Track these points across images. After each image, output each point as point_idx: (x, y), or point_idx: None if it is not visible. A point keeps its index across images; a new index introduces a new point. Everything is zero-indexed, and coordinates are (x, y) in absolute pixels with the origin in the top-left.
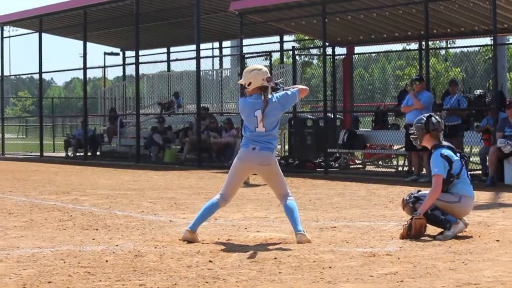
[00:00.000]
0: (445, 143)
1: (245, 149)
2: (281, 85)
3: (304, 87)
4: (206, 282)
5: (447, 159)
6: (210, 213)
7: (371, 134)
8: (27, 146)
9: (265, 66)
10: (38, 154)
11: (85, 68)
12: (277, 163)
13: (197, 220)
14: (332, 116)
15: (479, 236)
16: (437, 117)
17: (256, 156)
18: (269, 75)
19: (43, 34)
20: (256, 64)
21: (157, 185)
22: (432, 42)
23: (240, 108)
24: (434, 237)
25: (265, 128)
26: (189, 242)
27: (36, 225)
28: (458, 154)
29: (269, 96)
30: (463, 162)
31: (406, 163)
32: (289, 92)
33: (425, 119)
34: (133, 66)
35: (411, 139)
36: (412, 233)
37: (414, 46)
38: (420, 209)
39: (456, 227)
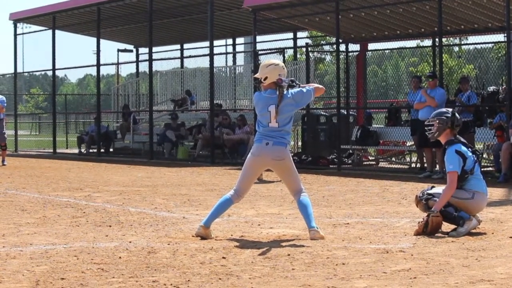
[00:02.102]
0: (459, 139)
1: (258, 144)
2: (297, 82)
3: (320, 86)
4: (220, 279)
5: (462, 155)
6: (224, 209)
7: (384, 130)
8: (40, 143)
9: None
10: (51, 150)
11: (98, 65)
12: (291, 158)
13: (211, 216)
14: (345, 113)
15: (492, 233)
16: (458, 113)
17: (269, 151)
18: (285, 71)
19: (57, 31)
20: (273, 59)
21: (170, 181)
22: (445, 38)
23: (254, 102)
24: (447, 234)
25: (278, 124)
26: (203, 238)
27: (49, 221)
28: (470, 150)
29: (285, 92)
30: (476, 158)
31: (419, 160)
32: (304, 90)
33: (450, 113)
34: (147, 63)
35: (427, 130)
36: (428, 230)
37: (427, 42)
38: (435, 206)
39: (469, 223)
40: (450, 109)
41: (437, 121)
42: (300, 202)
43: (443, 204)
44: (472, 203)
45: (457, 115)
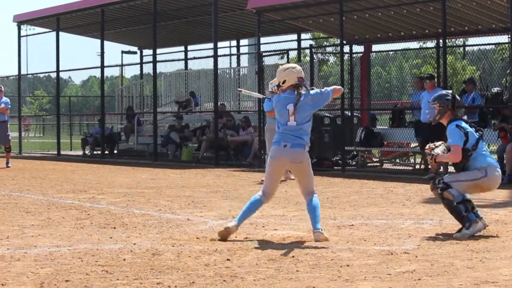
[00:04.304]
0: (461, 117)
1: (277, 147)
2: (313, 88)
3: (338, 87)
4: (224, 281)
5: (462, 129)
6: (255, 210)
7: (389, 132)
8: (44, 145)
9: (282, 64)
10: (55, 152)
11: (102, 67)
12: (309, 160)
13: (243, 215)
14: (350, 114)
15: (497, 234)
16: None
17: (287, 153)
18: (303, 74)
19: (61, 33)
20: (291, 63)
21: (174, 183)
22: (449, 40)
23: (274, 104)
24: (451, 235)
25: (296, 122)
26: (225, 236)
27: (53, 223)
28: (473, 128)
29: (303, 92)
30: (479, 135)
31: (424, 162)
32: (323, 90)
33: (450, 95)
34: (151, 65)
35: (427, 114)
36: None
37: (431, 44)
38: (438, 156)
39: (475, 226)
40: (450, 91)
41: (438, 104)
42: (310, 202)
43: (442, 159)
44: (487, 180)
45: (457, 96)
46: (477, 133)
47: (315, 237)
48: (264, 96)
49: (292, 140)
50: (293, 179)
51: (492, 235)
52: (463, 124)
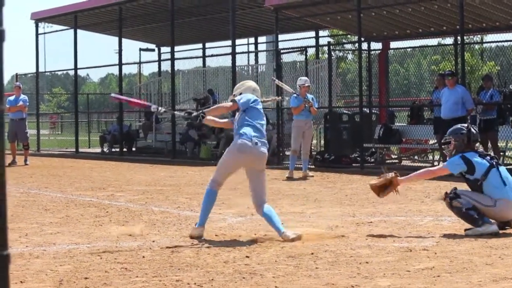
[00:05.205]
0: (473, 148)
1: (248, 142)
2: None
3: (223, 105)
4: (243, 278)
5: (466, 161)
6: (213, 202)
7: (407, 128)
8: (63, 142)
9: (300, 61)
10: (74, 150)
11: (120, 64)
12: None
13: (203, 214)
14: (368, 111)
15: None
16: (474, 127)
17: (258, 150)
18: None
19: (78, 31)
20: (250, 81)
21: (193, 180)
22: (467, 36)
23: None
24: (464, 231)
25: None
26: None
27: (72, 221)
28: (488, 157)
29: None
30: (494, 163)
31: (442, 158)
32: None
33: (465, 129)
34: (169, 62)
35: (443, 146)
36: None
37: (449, 40)
38: (404, 177)
39: (488, 226)
40: (465, 124)
41: (453, 139)
42: (265, 213)
43: (410, 179)
44: (495, 210)
45: (472, 129)
46: (491, 161)
47: (284, 238)
48: (294, 92)
49: (262, 138)
50: (312, 176)
51: (511, 232)
52: (470, 155)
